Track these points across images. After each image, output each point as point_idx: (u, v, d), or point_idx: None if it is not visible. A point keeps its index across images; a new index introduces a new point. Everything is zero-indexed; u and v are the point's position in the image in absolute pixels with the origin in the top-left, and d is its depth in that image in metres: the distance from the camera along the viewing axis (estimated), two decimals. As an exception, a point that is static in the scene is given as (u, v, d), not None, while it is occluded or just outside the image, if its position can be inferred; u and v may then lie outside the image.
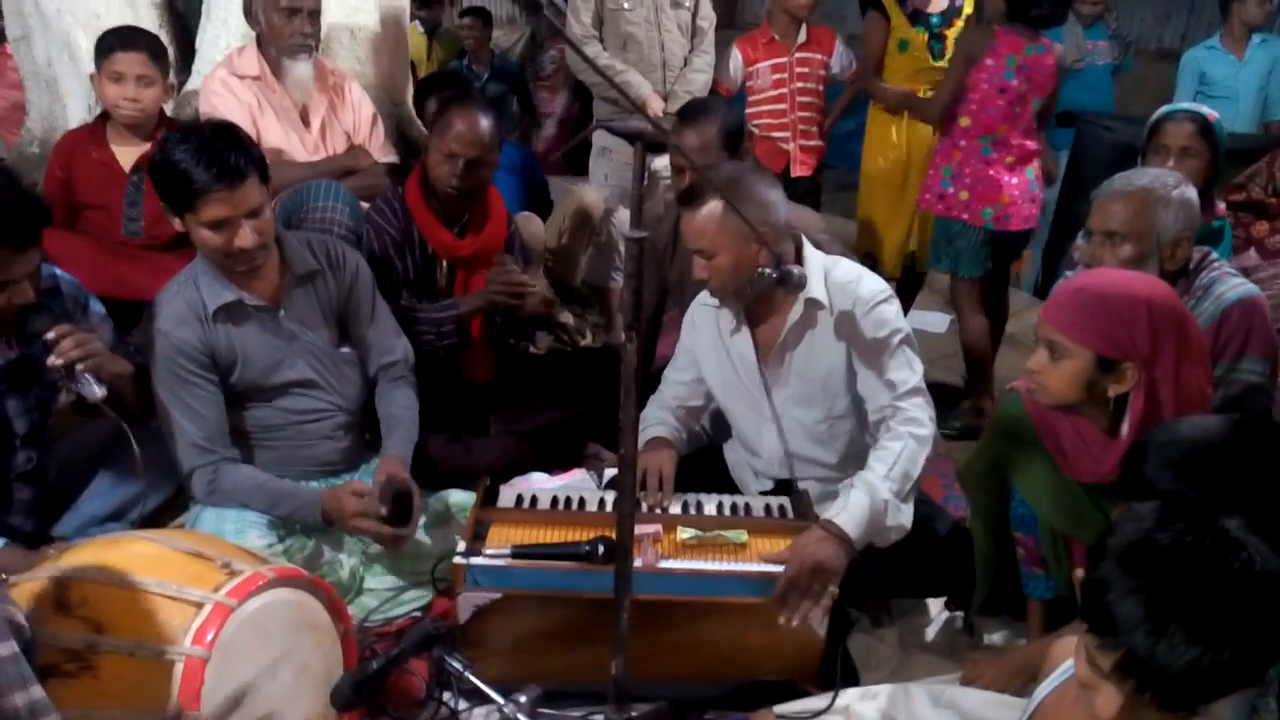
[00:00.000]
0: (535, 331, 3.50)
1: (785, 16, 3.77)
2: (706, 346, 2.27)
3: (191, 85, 3.49)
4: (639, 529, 1.85)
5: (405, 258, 2.64)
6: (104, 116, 2.84)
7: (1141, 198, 2.01)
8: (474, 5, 5.72)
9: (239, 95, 2.90)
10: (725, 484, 2.33)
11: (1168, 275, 2.01)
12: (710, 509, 2.10)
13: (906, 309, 3.63)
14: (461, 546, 1.87)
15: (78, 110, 3.35)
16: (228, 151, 1.92)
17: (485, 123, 2.51)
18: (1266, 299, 2.11)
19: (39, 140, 3.44)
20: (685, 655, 1.87)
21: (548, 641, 1.86)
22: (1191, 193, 2.03)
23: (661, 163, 3.51)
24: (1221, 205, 2.60)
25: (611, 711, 1.61)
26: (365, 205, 2.78)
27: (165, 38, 3.60)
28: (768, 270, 1.94)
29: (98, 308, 2.20)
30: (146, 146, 2.80)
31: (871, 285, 2.08)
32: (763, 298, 2.10)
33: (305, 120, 3.00)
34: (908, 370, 2.05)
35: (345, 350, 2.30)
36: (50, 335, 1.89)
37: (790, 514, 2.08)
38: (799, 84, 3.83)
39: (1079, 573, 1.17)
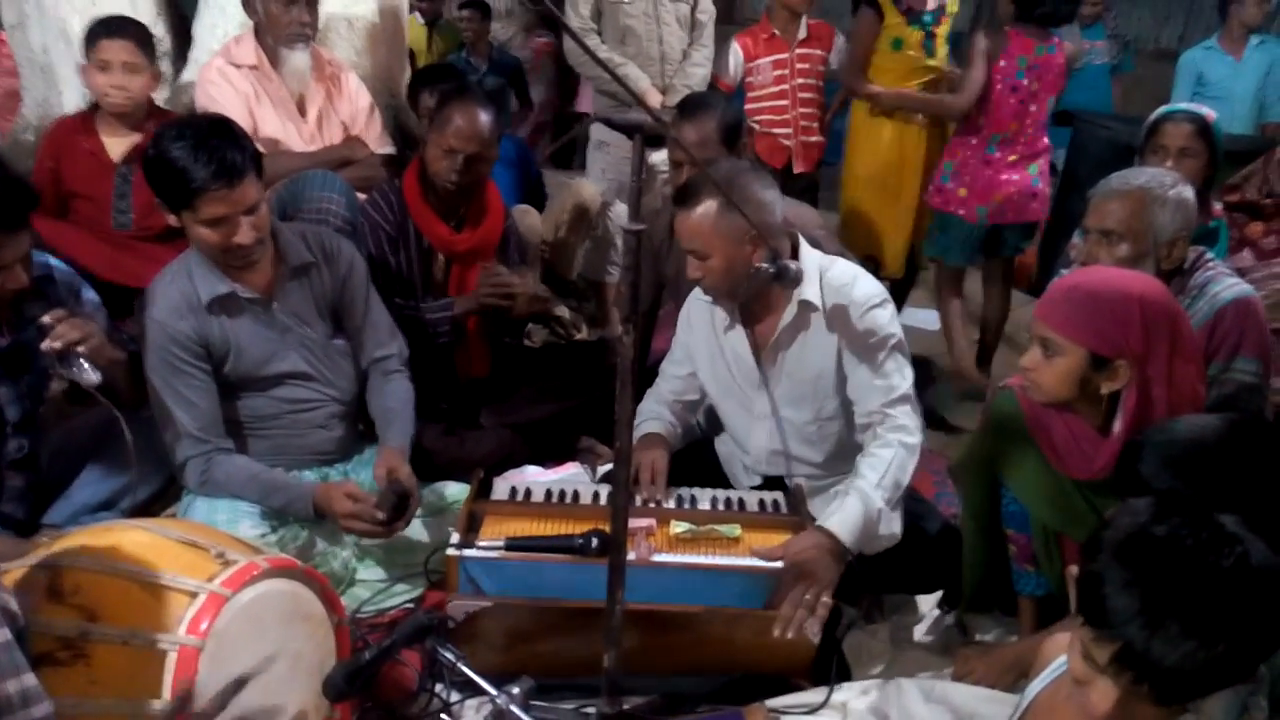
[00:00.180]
0: (530, 326, 3.49)
1: (785, 12, 3.76)
2: (701, 342, 2.27)
3: (188, 74, 3.48)
4: (633, 522, 1.85)
5: (400, 253, 2.64)
6: (95, 106, 2.83)
7: (1138, 197, 2.02)
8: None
9: (236, 84, 2.90)
10: (717, 478, 2.33)
11: (1163, 275, 2.02)
12: (704, 503, 2.10)
13: (901, 303, 3.65)
14: (455, 539, 1.87)
15: (73, 97, 3.33)
16: (225, 148, 1.91)
17: (484, 118, 2.51)
18: (1261, 299, 2.12)
19: (34, 128, 3.43)
20: (678, 651, 1.87)
21: (540, 636, 1.86)
22: (1188, 192, 2.04)
23: (659, 157, 3.51)
24: (1218, 206, 2.61)
25: (604, 704, 1.61)
26: (361, 196, 2.78)
27: (163, 26, 3.60)
28: (764, 265, 1.93)
29: (91, 295, 2.19)
30: (136, 137, 2.79)
31: (867, 288, 2.07)
32: (759, 296, 2.10)
33: (302, 110, 2.99)
34: (898, 377, 2.04)
35: (339, 342, 2.29)
36: (46, 319, 1.89)
37: (784, 509, 2.09)
38: (800, 80, 3.83)
39: (1072, 569, 1.18)
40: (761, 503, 2.12)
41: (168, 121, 2.01)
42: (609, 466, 2.58)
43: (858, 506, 1.90)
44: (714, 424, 2.46)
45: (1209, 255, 2.14)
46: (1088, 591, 1.10)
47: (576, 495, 2.10)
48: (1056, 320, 1.70)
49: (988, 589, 2.12)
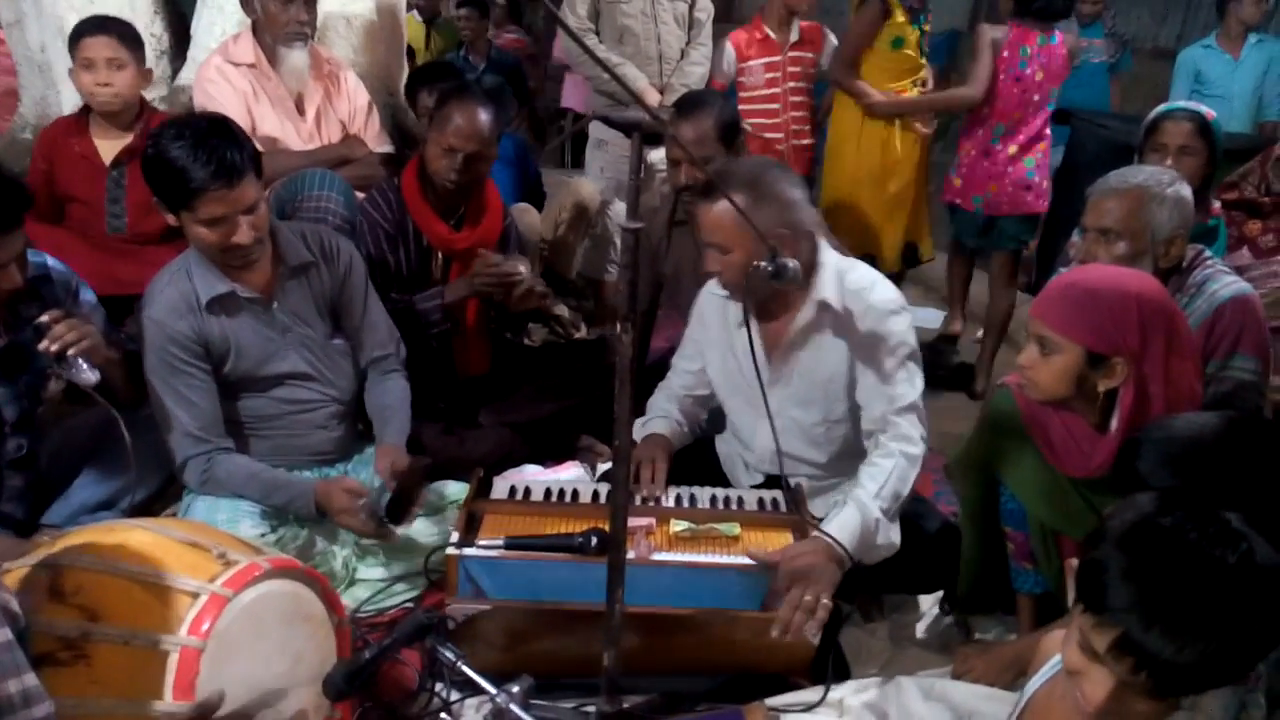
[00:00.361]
0: (530, 325, 3.49)
1: (781, 12, 3.76)
2: (712, 337, 2.26)
3: (187, 72, 3.48)
4: (632, 521, 1.85)
5: (399, 251, 2.64)
6: (88, 108, 2.82)
7: (1136, 195, 2.02)
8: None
9: (234, 83, 2.90)
10: (717, 477, 2.33)
11: (1161, 273, 2.03)
12: (703, 502, 2.10)
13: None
14: (455, 538, 1.87)
15: (71, 96, 3.33)
16: (224, 148, 1.90)
17: (484, 116, 2.50)
18: (1259, 297, 2.12)
19: (31, 126, 3.43)
20: (677, 651, 1.87)
21: (540, 636, 1.86)
22: (1186, 191, 2.04)
23: (658, 155, 3.51)
24: (1216, 204, 2.62)
25: (603, 703, 1.62)
26: (360, 195, 2.78)
27: (161, 24, 3.61)
28: (763, 264, 1.93)
29: (89, 295, 2.19)
30: (128, 139, 2.78)
31: (885, 294, 2.06)
32: (776, 294, 2.08)
33: (300, 109, 2.99)
34: (907, 385, 2.03)
35: (338, 341, 2.29)
36: (44, 318, 1.89)
37: (783, 508, 2.09)
38: (791, 83, 3.85)
39: (1072, 562, 1.18)
40: (761, 501, 2.12)
41: (166, 121, 2.00)
42: (608, 465, 2.58)
43: (855, 516, 1.90)
44: (714, 423, 2.46)
45: (1207, 253, 2.14)
46: (1089, 578, 1.10)
47: (576, 494, 2.10)
48: (1053, 318, 1.70)
49: (986, 587, 2.12)
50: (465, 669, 1.50)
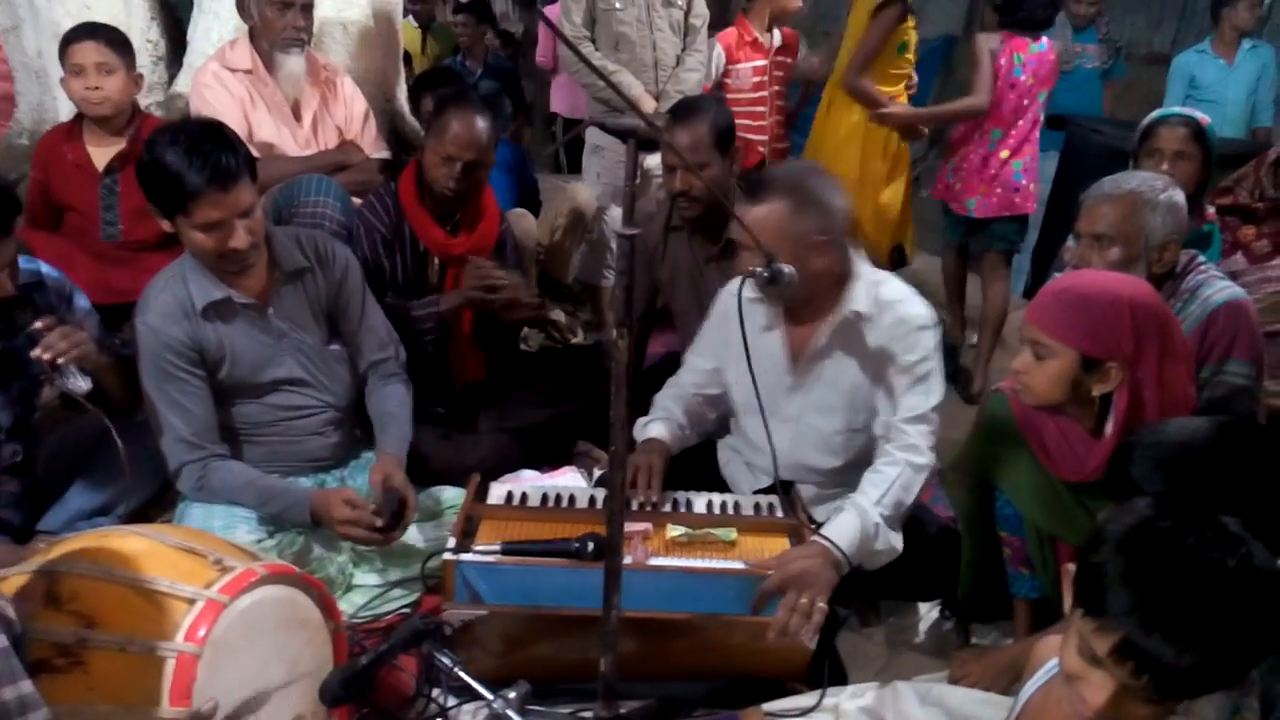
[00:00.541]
0: (526, 330, 3.50)
1: (765, 18, 3.81)
2: (734, 339, 2.22)
3: (183, 78, 3.48)
4: (629, 526, 1.85)
5: (395, 256, 2.64)
6: (81, 115, 2.82)
7: (1130, 201, 2.03)
8: (468, 2, 5.70)
9: (230, 89, 2.90)
10: (715, 482, 2.33)
11: (1155, 278, 2.03)
12: (700, 507, 2.11)
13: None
14: (451, 543, 1.87)
15: (68, 102, 3.33)
16: (218, 152, 1.90)
17: (482, 124, 2.51)
18: (1253, 302, 2.13)
19: (28, 132, 3.43)
20: (674, 656, 1.87)
21: (536, 641, 1.86)
22: (1179, 196, 2.05)
23: (654, 161, 3.52)
24: (1210, 210, 2.63)
25: (600, 709, 1.62)
26: (357, 200, 2.78)
27: (157, 30, 3.61)
28: (759, 269, 1.93)
29: (82, 302, 2.19)
30: (121, 144, 2.78)
31: (918, 309, 2.06)
32: (809, 300, 2.07)
33: (297, 115, 3.00)
34: (924, 398, 2.03)
35: (335, 347, 2.29)
36: (38, 325, 1.89)
37: (779, 513, 2.09)
38: (776, 87, 3.95)
39: (1069, 566, 1.18)
40: (757, 506, 2.12)
41: (161, 127, 2.00)
42: (605, 470, 2.58)
43: (855, 521, 1.90)
44: (715, 427, 2.46)
45: (1201, 259, 2.15)
46: (1088, 582, 1.10)
47: (573, 499, 2.11)
48: (1047, 323, 1.71)
49: (983, 592, 2.13)
50: (462, 675, 1.50)
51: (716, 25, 3.89)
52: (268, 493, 2.10)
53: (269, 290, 2.14)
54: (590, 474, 2.62)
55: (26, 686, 1.15)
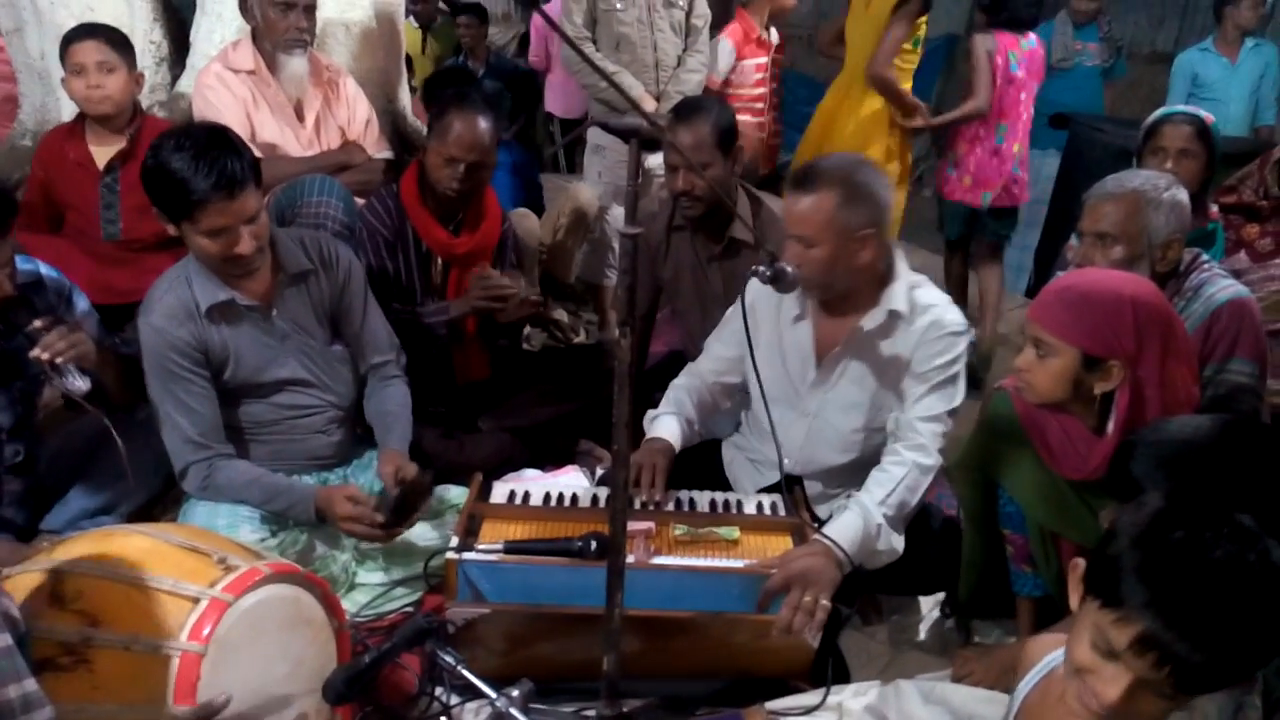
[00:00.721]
0: (529, 329, 3.50)
1: (765, 16, 3.88)
2: (761, 329, 2.21)
3: (186, 79, 3.49)
4: (632, 525, 1.85)
5: (398, 257, 2.64)
6: (83, 115, 2.83)
7: (1133, 199, 2.03)
8: (470, 2, 5.71)
9: (233, 90, 2.90)
10: (719, 481, 2.33)
11: (1158, 277, 2.03)
12: (703, 506, 2.11)
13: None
14: (454, 542, 1.87)
15: (70, 103, 3.34)
16: (225, 158, 1.90)
17: (484, 125, 2.51)
18: (1257, 301, 2.12)
19: (31, 133, 3.44)
20: (677, 654, 1.87)
21: (539, 640, 1.86)
22: (1183, 195, 2.05)
23: (655, 161, 3.52)
24: (1214, 208, 2.62)
25: (603, 707, 1.62)
26: (359, 201, 2.78)
27: (160, 31, 3.61)
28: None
29: (82, 301, 2.19)
30: (122, 143, 2.79)
31: (954, 315, 2.05)
32: (847, 294, 2.06)
33: (300, 115, 3.00)
34: (943, 401, 2.03)
35: (337, 348, 2.30)
36: (36, 324, 1.89)
37: (782, 511, 2.09)
38: (774, 84, 4.10)
39: (1078, 561, 1.17)
40: (759, 505, 2.12)
41: (166, 131, 2.00)
42: (607, 468, 2.58)
43: (857, 521, 1.90)
44: (724, 423, 2.45)
45: (1204, 257, 2.15)
46: (1104, 574, 1.09)
47: (575, 498, 2.11)
48: (1049, 321, 1.71)
49: (986, 591, 2.13)
50: (465, 673, 1.50)
51: (716, 26, 3.89)
52: (272, 490, 2.10)
53: (273, 292, 2.15)
54: (593, 473, 2.62)
55: (31, 685, 1.15)
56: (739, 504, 2.12)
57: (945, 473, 2.08)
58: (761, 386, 2.02)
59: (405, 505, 2.06)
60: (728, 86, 3.98)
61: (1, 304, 1.94)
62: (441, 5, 6.04)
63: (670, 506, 2.09)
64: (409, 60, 4.50)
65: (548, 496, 2.11)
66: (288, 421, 2.23)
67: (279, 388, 2.19)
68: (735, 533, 1.97)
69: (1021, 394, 1.83)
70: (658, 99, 3.60)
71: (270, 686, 1.52)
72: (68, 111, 3.30)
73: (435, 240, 2.63)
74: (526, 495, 2.11)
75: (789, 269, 1.93)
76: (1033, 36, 3.67)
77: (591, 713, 1.74)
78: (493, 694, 1.46)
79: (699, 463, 2.34)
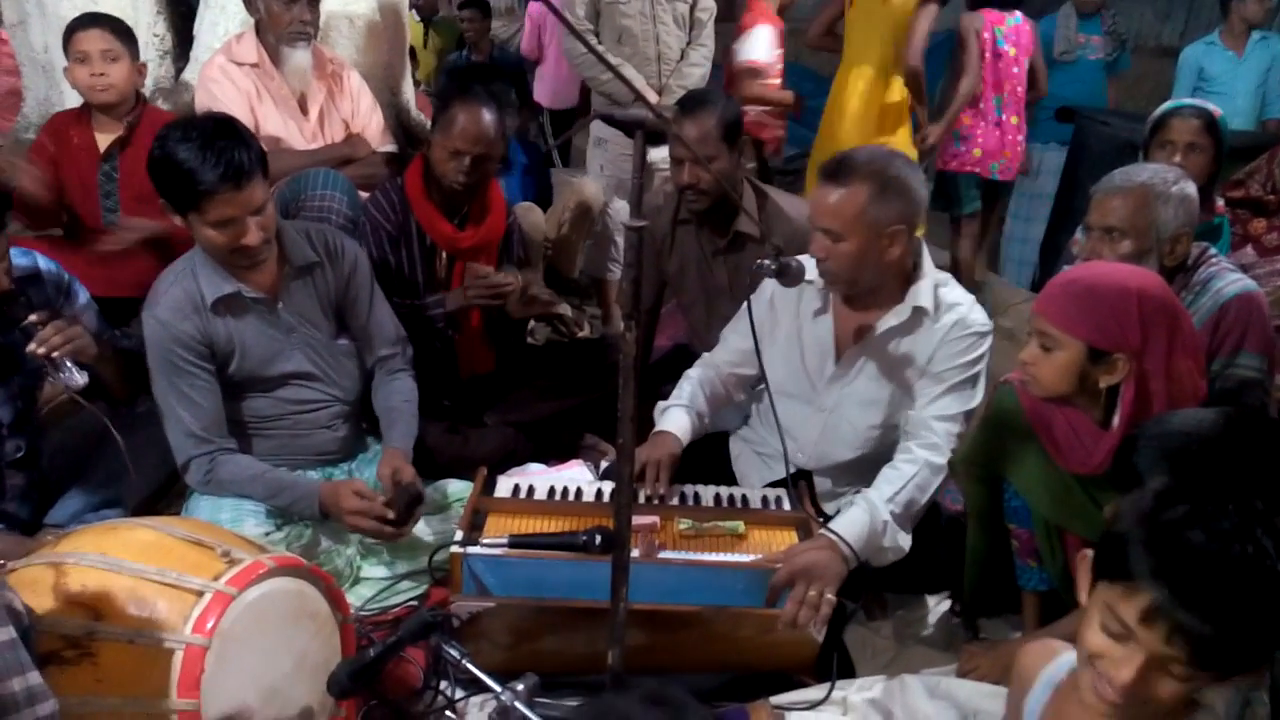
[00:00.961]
0: (533, 324, 3.49)
1: (775, 6, 3.98)
2: (780, 321, 2.20)
3: (190, 71, 3.48)
4: (636, 519, 1.85)
5: (401, 250, 2.64)
6: (88, 105, 2.84)
7: (1141, 193, 2.02)
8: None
9: (237, 82, 2.90)
10: (725, 475, 2.32)
11: (1166, 271, 2.02)
12: (708, 500, 2.10)
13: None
14: (459, 536, 1.87)
15: (74, 96, 3.33)
16: (233, 149, 1.89)
17: (488, 118, 2.50)
18: (1264, 295, 2.12)
19: (35, 126, 3.43)
20: (682, 648, 1.87)
21: (544, 634, 1.86)
22: (1191, 188, 2.04)
23: (657, 154, 3.51)
24: (1220, 202, 2.61)
25: (608, 701, 1.61)
26: (363, 194, 2.78)
27: (164, 24, 3.61)
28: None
29: (82, 294, 2.19)
30: (121, 131, 2.79)
31: (979, 315, 2.04)
32: (873, 289, 2.04)
33: (303, 108, 2.99)
34: (959, 401, 2.02)
35: (343, 342, 2.29)
36: (33, 318, 1.89)
37: (787, 506, 2.09)
38: (779, 78, 4.29)
39: (1087, 552, 1.16)
40: (765, 499, 2.12)
41: (172, 122, 2.00)
42: (609, 462, 2.58)
43: (864, 517, 1.89)
44: (733, 415, 2.45)
45: (1212, 251, 2.14)
46: (1111, 550, 1.08)
47: (580, 492, 2.10)
48: (1054, 314, 1.71)
49: (991, 585, 2.12)
50: (470, 667, 1.50)
51: (721, 19, 3.87)
52: (277, 485, 2.10)
53: (279, 285, 2.14)
54: (597, 467, 2.62)
55: (35, 678, 1.15)
56: (744, 498, 2.12)
57: (950, 467, 2.08)
58: (766, 381, 2.01)
59: (409, 507, 2.05)
60: (764, 75, 4.09)
61: None
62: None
63: (675, 501, 2.09)
64: (412, 53, 4.49)
65: (552, 491, 2.10)
66: (292, 416, 2.23)
67: (284, 381, 2.19)
68: (740, 527, 1.97)
69: (1027, 388, 1.82)
70: (659, 93, 3.59)
71: (274, 680, 1.51)
72: (71, 104, 3.29)
73: (440, 234, 2.63)
74: (531, 490, 2.10)
75: (793, 262, 1.92)
76: (1018, 13, 3.88)
77: (595, 707, 1.73)
78: (497, 688, 1.46)
79: (705, 456, 2.33)
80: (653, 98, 3.55)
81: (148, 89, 3.45)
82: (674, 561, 1.87)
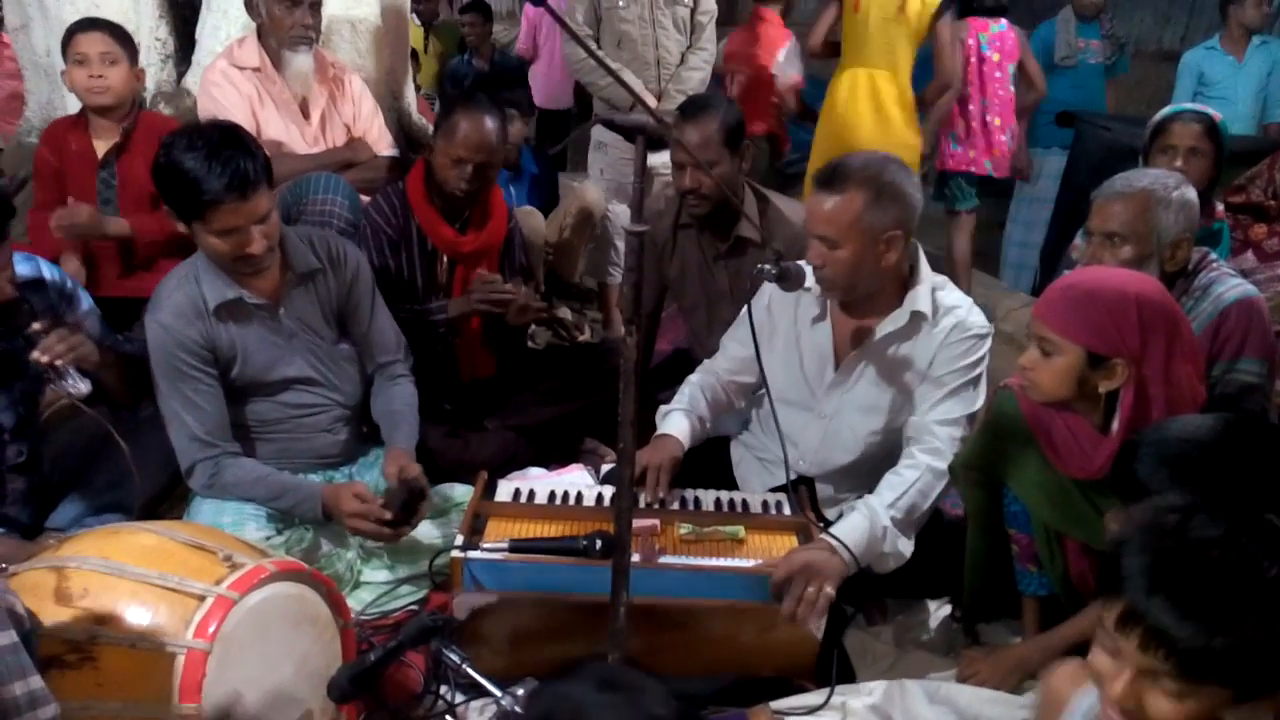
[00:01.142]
0: (533, 328, 3.50)
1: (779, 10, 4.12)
2: (779, 328, 2.20)
3: (191, 76, 3.49)
4: (637, 524, 1.85)
5: (402, 255, 2.64)
6: (85, 109, 2.84)
7: (1142, 199, 2.02)
8: (474, 0, 5.70)
9: (239, 87, 2.90)
10: (726, 480, 2.32)
11: (1167, 276, 2.02)
12: (708, 504, 2.10)
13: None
14: (459, 540, 1.87)
15: (76, 100, 3.35)
16: (238, 158, 1.89)
17: (491, 125, 2.50)
18: (1264, 300, 2.12)
19: (37, 130, 3.44)
20: (682, 652, 1.87)
21: (545, 637, 1.86)
22: (1192, 194, 2.04)
23: (658, 159, 3.51)
24: (1220, 207, 2.61)
25: (609, 705, 1.61)
26: (365, 198, 2.78)
27: (165, 28, 3.62)
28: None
29: (85, 300, 2.19)
30: (119, 137, 2.79)
31: (978, 318, 2.04)
32: (872, 294, 2.04)
33: (305, 112, 3.00)
34: (962, 405, 2.02)
35: (344, 347, 2.29)
36: (36, 326, 1.89)
37: (787, 511, 2.09)
38: None
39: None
40: (765, 504, 2.12)
41: (178, 129, 2.00)
42: (610, 466, 2.58)
43: (864, 522, 1.89)
44: (734, 421, 2.45)
45: (1213, 256, 2.14)
46: (1109, 567, 1.07)
47: (580, 496, 2.11)
48: (1053, 319, 1.71)
49: (991, 590, 2.12)
50: (470, 671, 1.50)
51: (722, 22, 3.88)
52: (279, 488, 2.10)
53: (281, 291, 2.14)
54: (598, 471, 2.62)
55: (36, 682, 1.15)
56: (744, 503, 2.12)
57: (950, 472, 2.08)
58: (768, 388, 2.01)
59: (406, 506, 2.05)
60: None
61: (1, 306, 1.94)
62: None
63: (675, 505, 2.09)
64: (413, 57, 4.50)
65: (553, 495, 2.10)
66: (294, 420, 2.23)
67: (286, 386, 2.19)
68: (740, 532, 1.97)
69: (1026, 392, 1.82)
70: (658, 97, 3.58)
71: (275, 684, 1.52)
72: (73, 108, 3.30)
73: (442, 238, 2.63)
74: (531, 494, 2.10)
75: (792, 267, 1.91)
76: (1003, 21, 4.09)
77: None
78: (498, 692, 1.45)
79: (706, 461, 2.33)
80: (651, 102, 3.56)
81: (149, 93, 3.46)
82: (674, 566, 1.87)
